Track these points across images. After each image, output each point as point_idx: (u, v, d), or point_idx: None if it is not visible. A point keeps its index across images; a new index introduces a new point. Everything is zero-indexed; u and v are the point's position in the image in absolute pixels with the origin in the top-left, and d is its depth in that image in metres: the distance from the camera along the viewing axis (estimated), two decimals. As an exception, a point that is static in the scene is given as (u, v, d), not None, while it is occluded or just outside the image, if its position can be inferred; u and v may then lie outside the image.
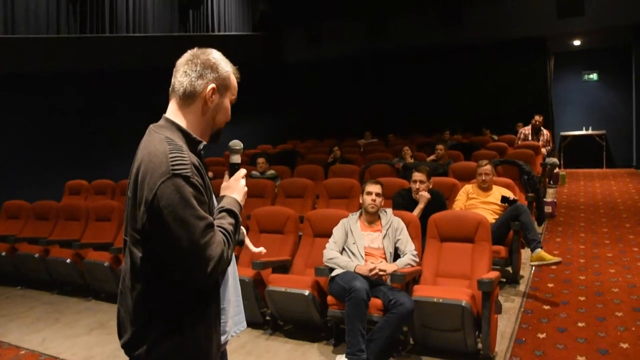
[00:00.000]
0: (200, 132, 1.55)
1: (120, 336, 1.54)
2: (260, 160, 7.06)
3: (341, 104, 13.73)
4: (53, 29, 8.06)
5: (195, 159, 1.45)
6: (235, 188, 1.60)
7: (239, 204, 1.58)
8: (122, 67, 9.15)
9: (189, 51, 1.56)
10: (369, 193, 3.90)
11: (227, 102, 1.59)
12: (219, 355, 1.55)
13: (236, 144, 1.69)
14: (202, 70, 1.51)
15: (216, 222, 1.46)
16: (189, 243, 1.34)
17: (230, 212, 1.52)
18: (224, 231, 1.45)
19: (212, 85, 1.52)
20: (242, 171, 1.65)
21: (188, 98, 1.52)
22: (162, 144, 1.42)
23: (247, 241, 1.99)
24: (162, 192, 1.34)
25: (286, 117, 14.27)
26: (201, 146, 1.54)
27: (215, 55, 1.56)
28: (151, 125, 1.54)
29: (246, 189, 1.63)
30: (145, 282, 1.45)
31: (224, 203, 1.55)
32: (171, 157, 1.37)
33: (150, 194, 1.35)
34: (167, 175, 1.35)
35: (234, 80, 1.60)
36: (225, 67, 1.56)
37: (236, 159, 1.67)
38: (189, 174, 1.37)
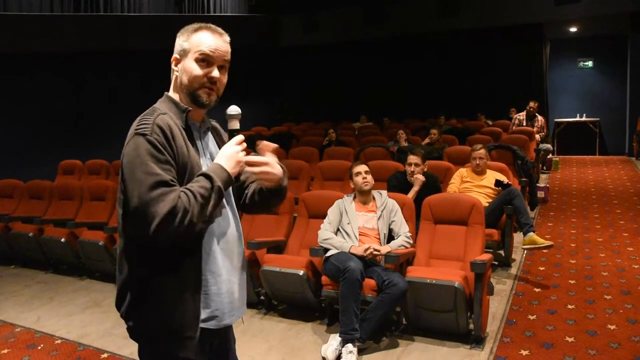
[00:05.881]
0: (181, 99, 1.60)
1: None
2: None
3: (337, 88, 13.67)
4: (47, 7, 7.95)
5: (174, 122, 1.50)
6: (225, 154, 1.54)
7: (224, 169, 1.50)
8: (116, 46, 9.05)
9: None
10: (358, 173, 3.90)
11: (190, 63, 1.56)
12: (197, 326, 1.51)
13: (233, 109, 1.63)
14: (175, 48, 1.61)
15: (188, 185, 1.43)
16: (136, 198, 1.36)
17: (206, 176, 1.45)
18: (188, 193, 1.40)
19: (174, 56, 1.60)
20: (239, 137, 1.58)
21: (171, 73, 1.63)
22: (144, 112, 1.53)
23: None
24: (126, 150, 1.44)
25: (281, 99, 14.19)
26: (187, 111, 1.59)
27: (181, 31, 1.61)
28: None
29: (240, 154, 1.55)
30: (123, 242, 1.51)
31: (207, 168, 1.51)
32: (139, 120, 1.48)
33: (121, 154, 1.46)
34: (131, 136, 1.45)
35: (193, 38, 1.57)
36: (183, 34, 1.59)
37: (234, 124, 1.63)
38: (147, 132, 1.42)
